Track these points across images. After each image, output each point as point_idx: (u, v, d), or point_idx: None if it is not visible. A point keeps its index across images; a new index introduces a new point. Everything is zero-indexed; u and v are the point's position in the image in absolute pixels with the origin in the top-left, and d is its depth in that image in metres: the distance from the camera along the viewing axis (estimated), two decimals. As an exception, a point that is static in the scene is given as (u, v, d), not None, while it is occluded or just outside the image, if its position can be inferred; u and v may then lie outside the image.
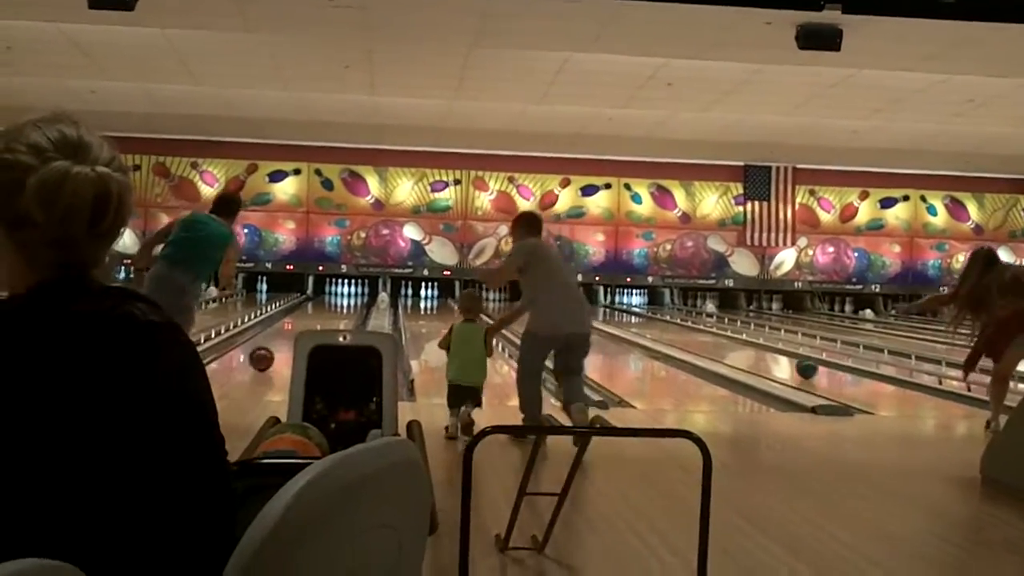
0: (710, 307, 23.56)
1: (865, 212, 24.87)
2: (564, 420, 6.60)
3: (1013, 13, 8.64)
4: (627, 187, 24.12)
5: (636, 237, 24.15)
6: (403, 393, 8.51)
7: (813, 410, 8.22)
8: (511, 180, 23.85)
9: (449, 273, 23.52)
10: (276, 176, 23.31)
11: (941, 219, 25.05)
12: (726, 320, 19.78)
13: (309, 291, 22.93)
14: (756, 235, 24.26)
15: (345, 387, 4.89)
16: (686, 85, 15.23)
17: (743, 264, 24.42)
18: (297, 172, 23.34)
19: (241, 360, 11.86)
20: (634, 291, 24.50)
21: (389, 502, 1.57)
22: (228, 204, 7.33)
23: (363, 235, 23.39)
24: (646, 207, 24.20)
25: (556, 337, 6.28)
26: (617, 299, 24.28)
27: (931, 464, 6.32)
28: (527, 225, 6.70)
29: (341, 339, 4.95)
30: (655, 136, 20.24)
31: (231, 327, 14.12)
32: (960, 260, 24.74)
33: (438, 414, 7.43)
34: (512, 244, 6.67)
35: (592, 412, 7.08)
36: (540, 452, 3.64)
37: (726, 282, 24.33)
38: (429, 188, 23.67)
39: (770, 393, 9.44)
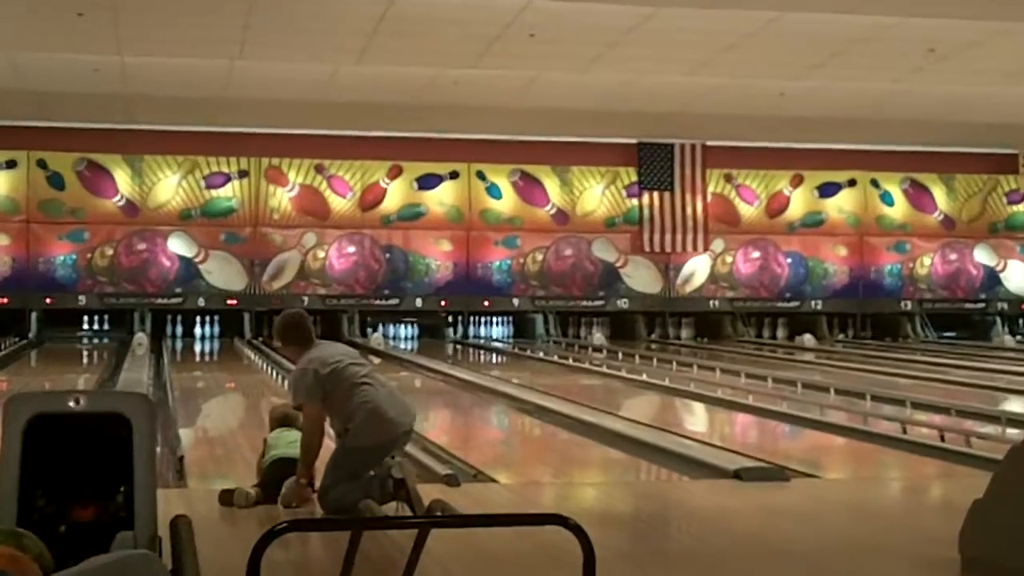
0: (598, 338, 23.85)
1: (800, 203, 25.62)
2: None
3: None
4: (481, 176, 24.27)
5: (495, 244, 24.30)
6: (168, 476, 8.29)
7: (737, 475, 8.36)
8: (319, 170, 23.71)
9: (236, 302, 23.19)
10: (-20, 171, 22.65)
11: (899, 210, 26.00)
12: (620, 355, 20.03)
13: (32, 334, 22.28)
14: (657, 238, 24.71)
15: (80, 473, 4.74)
16: (556, 34, 15.41)
17: (641, 278, 24.82)
18: (11, 165, 22.68)
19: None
20: (495, 319, 24.57)
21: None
22: None
23: (109, 252, 22.87)
24: (508, 203, 24.39)
25: (373, 445, 6.81)
26: (472, 331, 24.32)
27: (896, 542, 6.49)
28: (291, 332, 7.22)
29: (72, 403, 4.79)
30: (516, 106, 20.43)
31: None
32: (926, 264, 25.74)
33: (218, 503, 7.26)
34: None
35: (433, 492, 7.03)
36: (360, 551, 3.59)
37: (618, 303, 24.68)
38: (203, 183, 23.31)
39: (681, 454, 9.55)
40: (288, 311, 7.59)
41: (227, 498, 7.07)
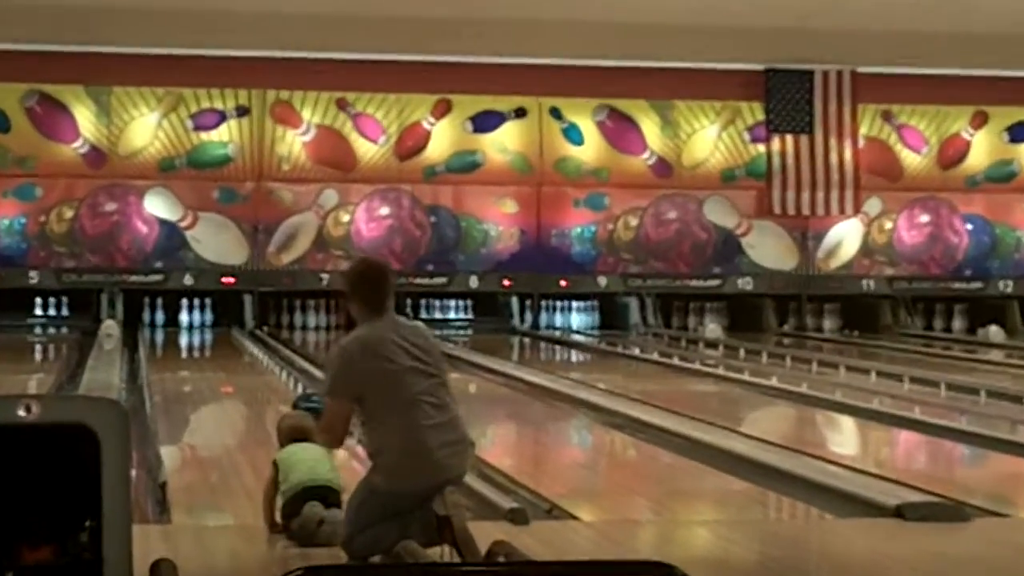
0: (712, 329, 23.79)
1: (983, 150, 25.37)
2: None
3: None
4: (555, 114, 24.24)
5: (575, 205, 24.26)
6: (146, 508, 8.37)
7: (899, 512, 8.32)
8: (342, 106, 23.75)
9: (233, 280, 23.31)
10: (-99, 107, 22.91)
11: (1118, 159, 25.71)
12: (741, 352, 19.98)
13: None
14: (791, 196, 24.57)
15: (32, 502, 4.77)
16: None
17: (769, 250, 24.71)
18: (-59, 99, 22.92)
19: None
20: (574, 304, 24.57)
21: None
22: None
23: (69, 214, 23.04)
24: (592, 149, 24.33)
25: (407, 493, 6.73)
26: (544, 319, 24.36)
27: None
28: (359, 286, 7.07)
29: (21, 412, 4.83)
30: (602, 20, 20.36)
31: None
32: None
33: (212, 543, 7.32)
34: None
35: (494, 531, 7.05)
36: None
37: (739, 283, 24.61)
38: (190, 124, 23.43)
39: (823, 484, 9.52)
40: (367, 257, 7.55)
41: (309, 529, 7.08)
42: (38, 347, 21.98)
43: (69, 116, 23.22)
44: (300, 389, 14.18)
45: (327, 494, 7.11)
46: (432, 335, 7.06)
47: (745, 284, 24.62)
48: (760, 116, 24.58)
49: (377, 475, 6.76)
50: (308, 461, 7.23)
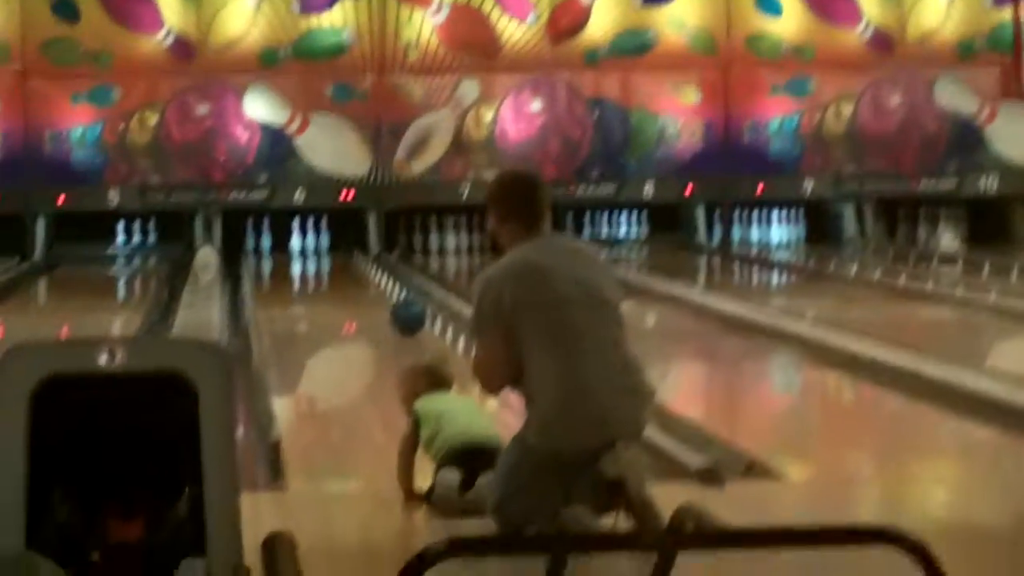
0: (948, 241, 23.60)
1: None
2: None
3: None
4: (746, -21, 24.17)
5: (773, 91, 24.19)
6: (256, 472, 8.51)
7: None
8: (482, -23, 23.82)
9: (352, 195, 23.45)
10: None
11: None
12: (986, 270, 19.81)
13: (37, 252, 22.92)
14: (1044, 73, 24.32)
15: (120, 466, 4.87)
16: None
17: (1018, 141, 24.46)
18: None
19: None
20: (774, 213, 24.51)
21: None
22: None
23: (153, 120, 23.27)
24: (792, 21, 24.20)
25: (566, 452, 6.71)
26: (737, 233, 24.39)
27: None
28: (505, 202, 7.03)
29: (104, 358, 4.93)
30: None
31: None
32: None
33: (335, 513, 7.42)
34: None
35: (681, 494, 7.10)
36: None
37: (981, 184, 24.38)
38: (297, 4, 23.56)
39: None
40: (511, 169, 7.50)
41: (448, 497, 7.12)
42: (121, 281, 22.23)
43: (150, 0, 23.42)
44: (438, 328, 14.24)
45: (487, 454, 7.05)
46: (603, 257, 7.01)
47: (989, 185, 24.38)
48: (1004, -28, 24.32)
49: (531, 430, 6.74)
50: (460, 412, 7.23)
